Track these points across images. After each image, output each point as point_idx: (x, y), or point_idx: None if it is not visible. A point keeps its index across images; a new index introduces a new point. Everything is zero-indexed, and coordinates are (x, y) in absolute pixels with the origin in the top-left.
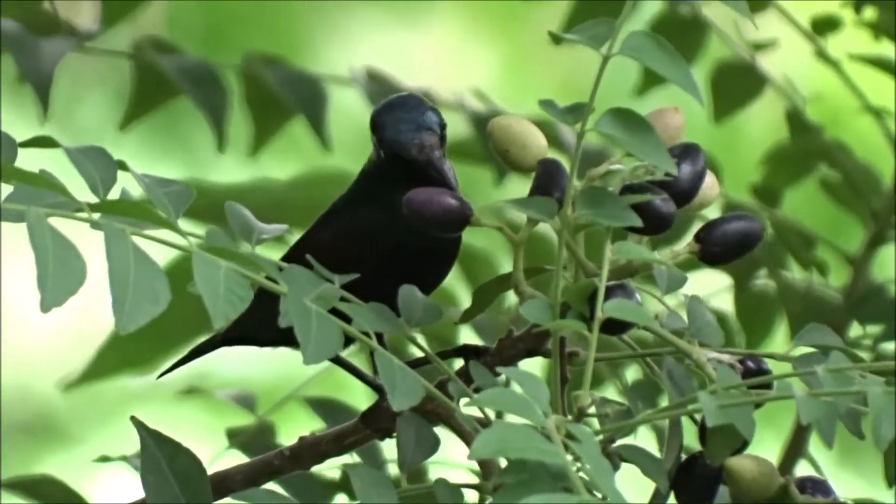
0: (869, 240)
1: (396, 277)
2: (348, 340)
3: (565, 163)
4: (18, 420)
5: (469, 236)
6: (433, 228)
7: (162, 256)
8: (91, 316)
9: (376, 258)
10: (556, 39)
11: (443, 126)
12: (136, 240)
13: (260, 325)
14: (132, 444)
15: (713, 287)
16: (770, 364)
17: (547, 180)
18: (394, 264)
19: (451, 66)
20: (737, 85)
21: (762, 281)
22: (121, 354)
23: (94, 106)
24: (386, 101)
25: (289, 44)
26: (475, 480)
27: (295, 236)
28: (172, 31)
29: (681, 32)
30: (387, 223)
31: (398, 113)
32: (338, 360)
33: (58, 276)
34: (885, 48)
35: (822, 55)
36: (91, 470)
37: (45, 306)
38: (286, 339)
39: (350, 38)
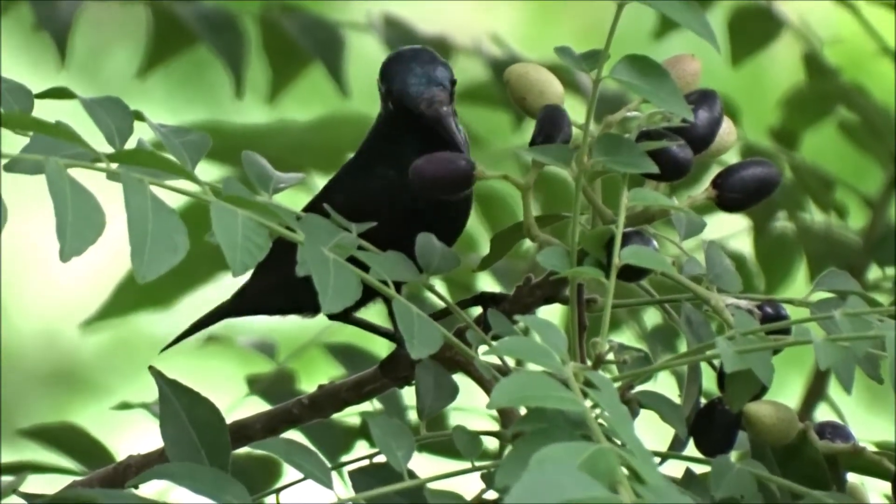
0: (888, 182)
1: (411, 236)
2: (369, 296)
3: (583, 109)
4: (45, 371)
5: (489, 181)
6: (438, 191)
7: (179, 198)
8: (119, 266)
9: (390, 218)
10: None
11: (453, 82)
12: (153, 189)
13: (265, 294)
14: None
15: (732, 229)
16: (788, 309)
17: (550, 126)
18: (407, 224)
19: (470, 12)
20: (754, 29)
21: (781, 223)
22: (138, 292)
23: (120, 57)
24: (396, 53)
25: None
26: (495, 427)
27: (313, 180)
28: None
29: None
30: (399, 183)
31: (408, 65)
32: (350, 319)
33: (77, 226)
34: None
35: None
36: (118, 421)
37: (65, 256)
38: (293, 307)
39: None
